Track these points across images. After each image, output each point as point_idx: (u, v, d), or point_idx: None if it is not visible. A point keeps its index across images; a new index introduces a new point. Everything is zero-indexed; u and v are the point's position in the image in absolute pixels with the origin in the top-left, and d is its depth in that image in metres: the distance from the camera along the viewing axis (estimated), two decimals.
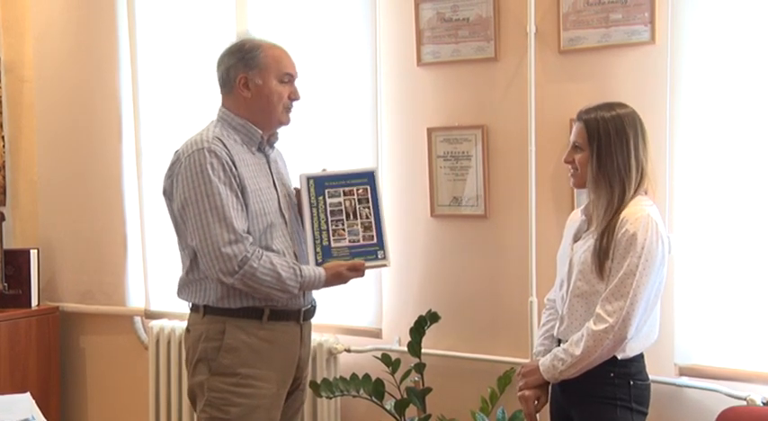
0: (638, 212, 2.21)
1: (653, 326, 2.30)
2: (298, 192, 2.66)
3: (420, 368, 2.96)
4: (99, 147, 3.95)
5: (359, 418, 3.34)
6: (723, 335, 2.68)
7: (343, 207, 2.60)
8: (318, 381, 3.00)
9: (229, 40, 2.62)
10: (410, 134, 3.23)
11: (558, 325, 2.39)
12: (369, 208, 2.60)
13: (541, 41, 2.94)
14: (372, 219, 2.59)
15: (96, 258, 3.99)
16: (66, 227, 4.07)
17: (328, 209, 2.59)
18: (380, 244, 2.58)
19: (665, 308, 2.48)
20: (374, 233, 2.58)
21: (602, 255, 2.22)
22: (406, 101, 3.23)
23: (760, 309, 2.62)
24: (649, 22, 2.74)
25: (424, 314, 2.93)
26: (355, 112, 3.31)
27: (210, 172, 2.39)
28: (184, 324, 2.63)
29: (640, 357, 2.29)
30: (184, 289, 2.55)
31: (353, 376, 2.96)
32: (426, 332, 2.92)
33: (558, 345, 2.33)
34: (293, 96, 2.57)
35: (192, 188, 2.40)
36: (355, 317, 3.35)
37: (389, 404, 2.92)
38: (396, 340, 3.25)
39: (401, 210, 3.23)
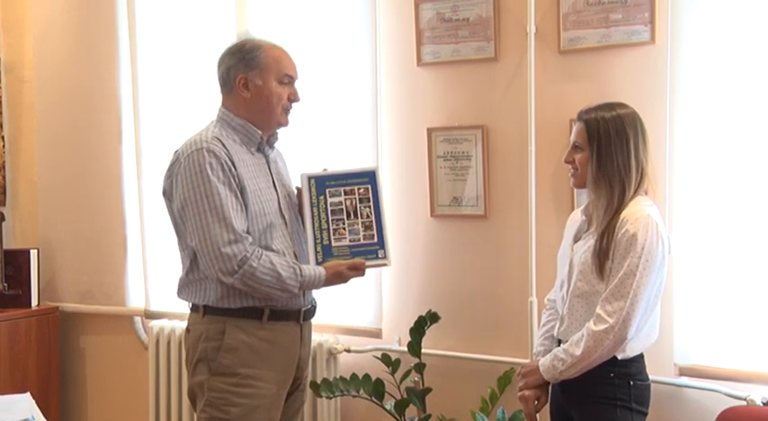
0: (639, 212, 2.21)
1: (653, 327, 2.30)
2: (299, 191, 2.66)
3: (420, 368, 2.96)
4: (99, 147, 3.95)
5: (359, 418, 3.34)
6: (723, 336, 2.68)
7: (343, 206, 2.60)
8: (318, 381, 3.00)
9: (230, 41, 2.62)
10: (410, 134, 3.23)
11: (558, 325, 2.39)
12: (369, 207, 2.60)
13: (541, 41, 2.94)
14: (373, 219, 2.59)
15: (96, 258, 3.98)
16: (67, 227, 4.06)
17: (329, 208, 2.59)
18: (381, 243, 2.58)
19: (665, 308, 2.48)
20: (375, 232, 2.58)
21: (603, 256, 2.22)
22: (406, 101, 3.23)
23: (759, 309, 2.62)
24: (649, 22, 2.75)
25: (424, 314, 2.93)
26: (355, 112, 3.31)
27: (210, 172, 2.39)
28: (184, 324, 2.63)
29: (640, 357, 2.29)
30: (184, 289, 2.55)
31: (353, 376, 2.96)
32: (426, 332, 2.92)
33: (558, 346, 2.33)
34: (293, 98, 2.56)
35: (191, 188, 2.40)
36: (355, 317, 3.34)
37: (389, 404, 2.92)
38: (396, 340, 3.25)
39: (401, 210, 3.23)
